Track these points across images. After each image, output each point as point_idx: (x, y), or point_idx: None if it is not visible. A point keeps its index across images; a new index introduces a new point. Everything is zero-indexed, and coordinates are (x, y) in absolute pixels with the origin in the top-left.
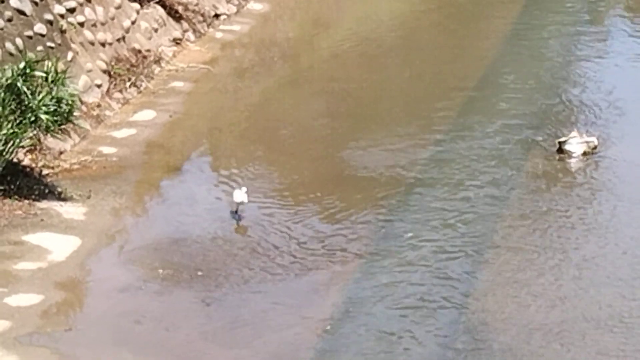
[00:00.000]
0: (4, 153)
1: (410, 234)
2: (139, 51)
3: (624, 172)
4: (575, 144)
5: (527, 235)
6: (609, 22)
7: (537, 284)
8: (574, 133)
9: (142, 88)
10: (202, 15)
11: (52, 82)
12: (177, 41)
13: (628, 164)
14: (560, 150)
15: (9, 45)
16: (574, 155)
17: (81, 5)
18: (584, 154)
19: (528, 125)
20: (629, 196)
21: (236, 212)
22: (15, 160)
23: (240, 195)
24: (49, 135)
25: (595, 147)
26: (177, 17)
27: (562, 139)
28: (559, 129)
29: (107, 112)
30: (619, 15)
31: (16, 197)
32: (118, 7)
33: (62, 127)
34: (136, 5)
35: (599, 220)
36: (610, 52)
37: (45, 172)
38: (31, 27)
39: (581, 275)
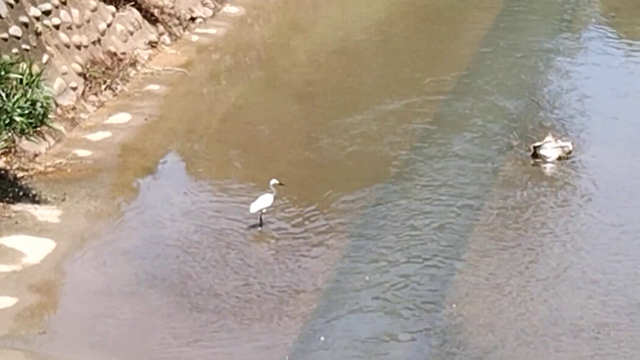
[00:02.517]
0: None
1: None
2: (115, 54)
3: (598, 177)
4: (550, 149)
5: (501, 239)
6: (585, 27)
7: (511, 288)
8: (549, 138)
9: (117, 91)
10: (178, 18)
11: (27, 84)
12: (152, 44)
13: (602, 169)
14: (535, 154)
15: None
16: (548, 159)
17: (57, 7)
18: (559, 158)
19: (503, 130)
20: (603, 201)
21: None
22: None
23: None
24: (23, 137)
25: (570, 152)
26: (152, 20)
27: (537, 144)
28: (534, 134)
29: (82, 115)
30: (595, 20)
31: None
32: (94, 10)
33: (37, 129)
34: (112, 8)
35: (573, 225)
36: (587, 57)
37: (19, 174)
38: (6, 30)
39: (556, 280)
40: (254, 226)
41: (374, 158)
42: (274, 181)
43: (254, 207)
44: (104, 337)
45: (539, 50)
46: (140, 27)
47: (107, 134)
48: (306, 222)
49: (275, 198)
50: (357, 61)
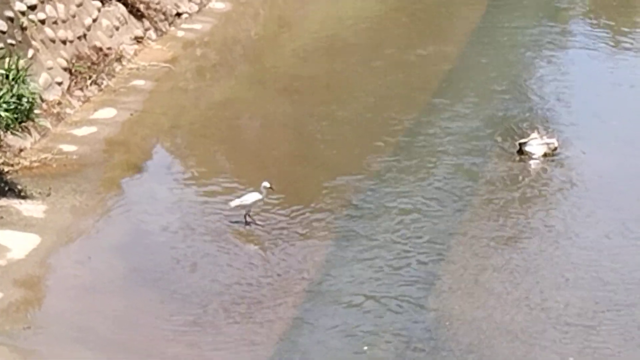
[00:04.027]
0: None
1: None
2: (100, 49)
3: (583, 174)
4: (536, 145)
5: (487, 236)
6: (571, 24)
7: (498, 285)
8: (535, 134)
9: (103, 86)
10: (164, 13)
11: (12, 79)
12: (138, 39)
13: (588, 166)
14: (521, 151)
15: None
16: (534, 156)
17: (42, 2)
18: (545, 155)
19: (489, 127)
20: (588, 197)
21: (246, 215)
22: None
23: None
24: (8, 132)
25: (555, 149)
26: (138, 15)
27: (523, 140)
28: (519, 131)
29: (68, 110)
30: (581, 16)
31: None
32: (79, 5)
33: (23, 124)
34: (97, 3)
35: (559, 222)
36: (572, 54)
37: (4, 169)
38: None
39: (542, 276)
40: (238, 222)
41: (360, 153)
42: (265, 184)
43: (234, 202)
44: (89, 333)
45: (526, 46)
46: (126, 22)
47: (92, 129)
48: (293, 217)
49: (262, 200)
50: (345, 56)
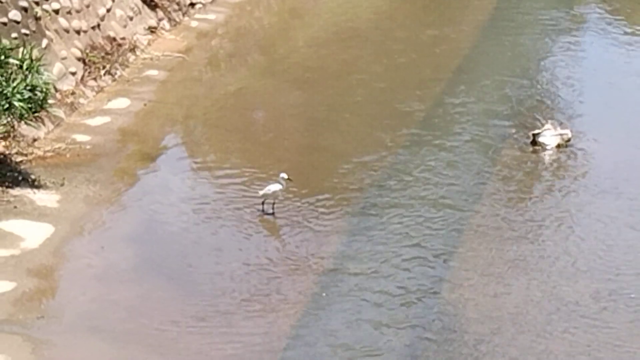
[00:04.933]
0: None
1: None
2: (114, 39)
3: (597, 165)
4: (549, 137)
5: (500, 227)
6: (584, 13)
7: (509, 275)
8: (548, 125)
9: (116, 76)
10: (178, 3)
11: (26, 69)
12: (152, 29)
13: (601, 157)
14: (534, 142)
15: None
16: (547, 147)
17: None
18: (558, 146)
19: (502, 118)
20: (601, 188)
21: (263, 203)
22: None
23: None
24: (22, 122)
25: (569, 140)
26: (152, 5)
27: (536, 131)
28: (533, 122)
29: (82, 100)
30: (594, 4)
31: None
32: None
33: (36, 114)
34: None
35: (572, 212)
36: (586, 44)
37: (18, 159)
38: (5, 14)
39: (552, 267)
40: (253, 211)
41: (371, 144)
42: (283, 175)
43: (262, 191)
44: (102, 322)
45: (539, 37)
46: (140, 12)
47: (106, 119)
48: (305, 208)
49: (282, 190)
50: (356, 48)
